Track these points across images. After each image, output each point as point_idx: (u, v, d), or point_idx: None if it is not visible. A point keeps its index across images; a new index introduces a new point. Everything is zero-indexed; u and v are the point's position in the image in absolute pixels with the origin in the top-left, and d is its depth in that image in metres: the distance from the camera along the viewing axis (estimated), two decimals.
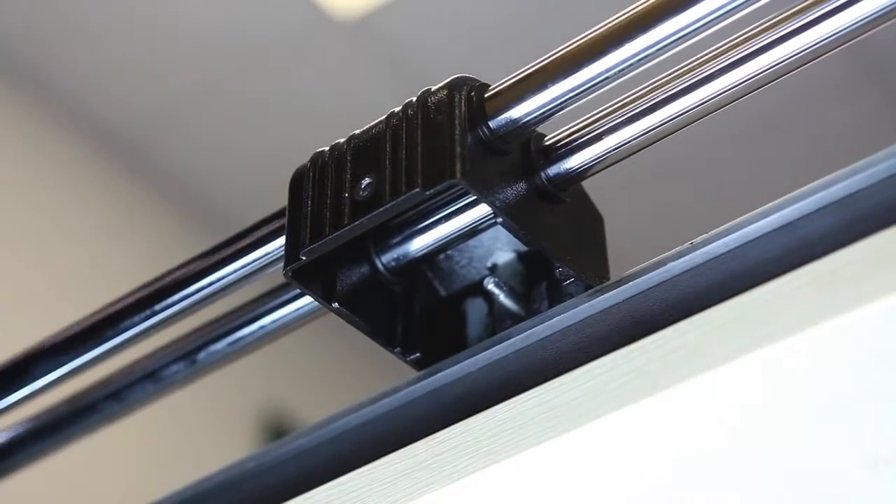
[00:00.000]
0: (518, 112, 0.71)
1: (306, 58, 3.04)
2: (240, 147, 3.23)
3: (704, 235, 0.66)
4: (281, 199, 0.75)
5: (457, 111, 0.70)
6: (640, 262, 0.68)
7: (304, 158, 0.75)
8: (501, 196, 0.70)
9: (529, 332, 0.70)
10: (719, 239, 0.65)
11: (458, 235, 0.76)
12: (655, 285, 0.67)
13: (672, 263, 0.67)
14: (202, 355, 0.91)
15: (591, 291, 0.70)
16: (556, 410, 0.64)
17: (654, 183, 3.26)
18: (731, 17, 0.65)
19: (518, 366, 0.70)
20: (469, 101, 0.71)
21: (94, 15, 2.84)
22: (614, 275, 0.72)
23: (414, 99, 0.72)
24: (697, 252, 0.66)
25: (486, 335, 0.75)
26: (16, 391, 0.93)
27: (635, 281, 0.67)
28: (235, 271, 0.81)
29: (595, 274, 0.74)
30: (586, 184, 0.75)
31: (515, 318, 0.74)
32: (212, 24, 2.94)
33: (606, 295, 0.68)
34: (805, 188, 0.64)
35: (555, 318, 0.70)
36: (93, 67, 2.93)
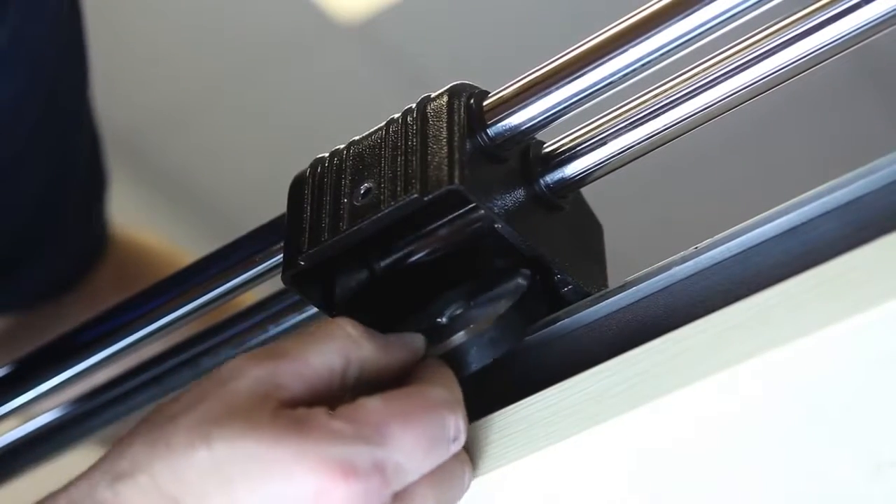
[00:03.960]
0: (517, 119, 0.71)
1: (309, 61, 3.04)
2: (242, 150, 3.23)
3: (708, 240, 0.67)
4: (284, 202, 0.75)
5: (456, 118, 0.70)
6: (643, 268, 0.68)
7: (307, 161, 0.75)
8: (500, 203, 0.70)
9: (533, 336, 0.70)
10: (723, 244, 0.66)
11: (457, 242, 0.75)
12: (660, 290, 0.67)
13: (676, 268, 0.67)
14: (206, 360, 0.91)
15: (595, 296, 0.70)
16: (560, 415, 0.64)
17: (656, 188, 3.26)
18: (731, 23, 0.65)
19: (523, 370, 0.70)
20: (468, 108, 0.71)
21: (99, 21, 2.84)
22: (617, 281, 0.72)
23: (413, 105, 0.72)
24: (701, 257, 0.66)
25: None
26: (17, 396, 0.93)
27: (639, 285, 0.67)
28: (235, 277, 0.82)
29: (593, 282, 0.74)
30: (589, 189, 0.75)
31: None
32: (214, 27, 2.94)
33: (611, 300, 0.68)
34: (809, 193, 0.64)
35: (559, 323, 0.70)
36: (96, 69, 2.92)
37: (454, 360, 0.69)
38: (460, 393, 0.67)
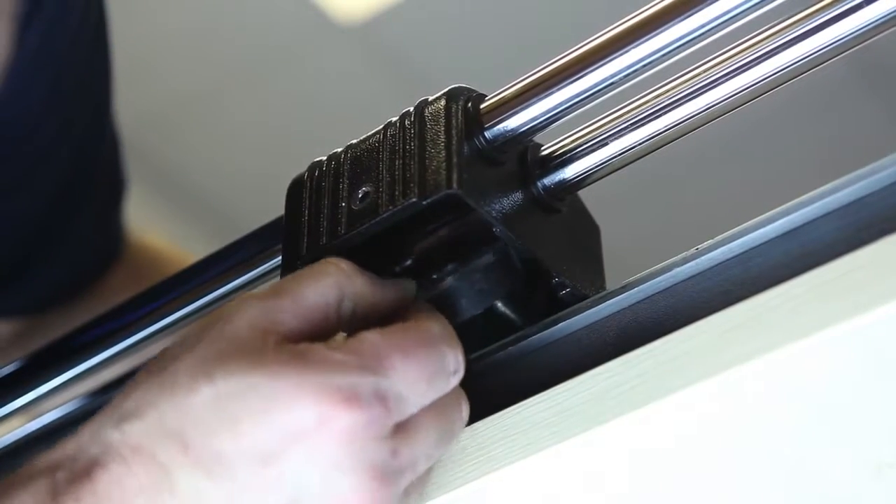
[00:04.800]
0: (514, 122, 0.71)
1: (309, 61, 3.04)
2: (242, 150, 3.23)
3: (709, 241, 0.67)
4: (283, 205, 0.75)
5: (453, 121, 0.70)
6: (643, 269, 0.68)
7: (307, 161, 0.75)
8: (497, 206, 0.70)
9: (534, 337, 0.70)
10: (724, 245, 0.66)
11: (455, 245, 0.75)
12: (661, 290, 0.67)
13: (677, 269, 0.67)
14: None
15: (596, 297, 0.70)
16: (562, 415, 0.64)
17: (656, 189, 3.26)
18: (729, 25, 0.65)
19: (524, 371, 0.70)
20: (465, 111, 0.71)
21: None
22: (617, 283, 0.72)
23: (411, 109, 0.72)
24: (702, 258, 0.66)
25: (486, 345, 0.74)
26: (20, 395, 0.93)
27: (641, 286, 0.67)
28: (236, 278, 0.82)
29: (591, 284, 0.74)
30: (588, 190, 0.75)
31: (513, 327, 0.74)
32: (214, 27, 2.94)
33: (612, 300, 0.68)
34: (809, 194, 0.64)
35: (560, 324, 0.70)
36: None
37: (443, 304, 0.71)
38: (453, 330, 0.68)
